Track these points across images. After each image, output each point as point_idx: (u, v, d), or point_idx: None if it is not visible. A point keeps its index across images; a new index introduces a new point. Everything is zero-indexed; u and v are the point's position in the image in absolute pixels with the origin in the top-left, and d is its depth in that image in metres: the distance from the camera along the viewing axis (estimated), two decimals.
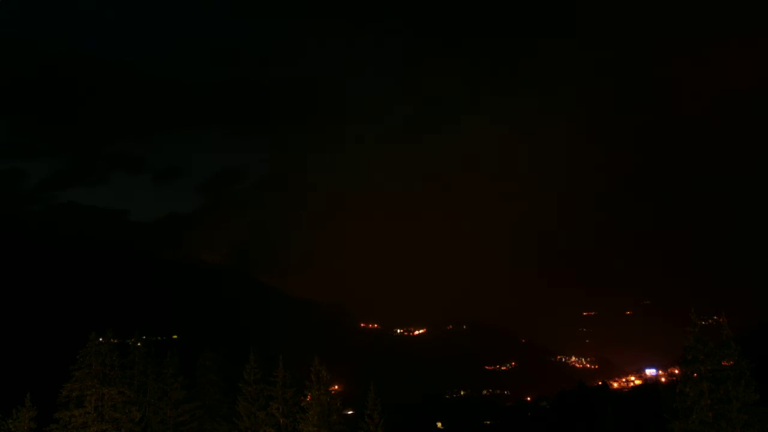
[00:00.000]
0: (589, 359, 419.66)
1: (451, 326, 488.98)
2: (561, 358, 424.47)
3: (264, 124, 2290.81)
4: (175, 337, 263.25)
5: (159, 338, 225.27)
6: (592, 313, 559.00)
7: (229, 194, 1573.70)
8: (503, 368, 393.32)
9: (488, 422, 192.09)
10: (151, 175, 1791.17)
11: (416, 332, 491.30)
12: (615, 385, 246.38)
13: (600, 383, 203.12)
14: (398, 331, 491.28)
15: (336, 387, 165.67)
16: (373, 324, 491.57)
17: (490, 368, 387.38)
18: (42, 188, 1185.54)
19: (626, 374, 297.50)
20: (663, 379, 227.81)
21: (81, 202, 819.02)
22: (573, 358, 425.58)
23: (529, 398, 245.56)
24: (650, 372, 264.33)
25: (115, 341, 63.39)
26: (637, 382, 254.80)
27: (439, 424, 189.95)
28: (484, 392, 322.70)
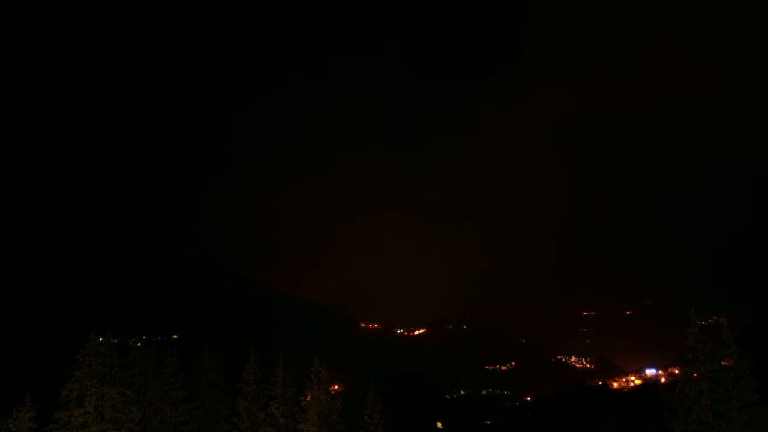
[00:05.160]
0: (589, 359, 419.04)
1: (451, 326, 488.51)
2: (561, 358, 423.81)
3: None
4: (175, 337, 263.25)
5: (159, 338, 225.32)
6: (592, 313, 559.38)
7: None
8: (503, 368, 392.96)
9: (488, 422, 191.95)
10: None
11: (416, 332, 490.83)
12: (615, 385, 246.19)
13: (600, 383, 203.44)
14: (398, 331, 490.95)
15: (336, 387, 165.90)
16: (373, 324, 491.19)
17: (490, 368, 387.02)
18: None
19: (626, 374, 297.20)
20: (663, 379, 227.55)
21: None
22: (573, 358, 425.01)
23: (529, 398, 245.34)
24: (650, 372, 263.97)
25: (115, 341, 63.37)
26: (637, 382, 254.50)
27: (439, 424, 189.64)
28: (484, 392, 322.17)
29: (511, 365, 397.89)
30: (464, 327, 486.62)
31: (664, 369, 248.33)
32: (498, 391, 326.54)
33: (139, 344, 71.45)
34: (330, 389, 60.26)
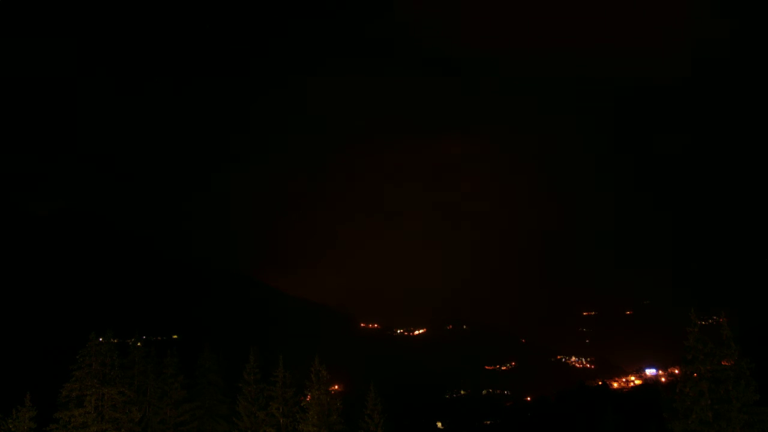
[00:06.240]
0: (589, 359, 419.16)
1: (451, 326, 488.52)
2: (561, 358, 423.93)
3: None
4: (175, 337, 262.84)
5: (159, 338, 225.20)
6: (592, 313, 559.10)
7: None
8: (503, 368, 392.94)
9: (488, 422, 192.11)
10: None
11: (416, 332, 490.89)
12: (615, 385, 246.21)
13: (600, 383, 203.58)
14: (398, 331, 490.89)
15: (336, 387, 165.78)
16: (373, 324, 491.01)
17: (490, 368, 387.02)
18: None
19: (626, 374, 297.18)
20: (663, 379, 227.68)
21: None
22: (573, 358, 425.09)
23: (529, 398, 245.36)
24: (650, 372, 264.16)
25: (115, 341, 63.37)
26: (637, 382, 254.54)
27: (439, 424, 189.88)
28: (484, 392, 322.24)
29: (511, 365, 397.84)
30: (464, 327, 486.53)
31: (664, 369, 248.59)
32: (498, 391, 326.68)
33: (139, 344, 71.46)
34: (330, 389, 60.25)
